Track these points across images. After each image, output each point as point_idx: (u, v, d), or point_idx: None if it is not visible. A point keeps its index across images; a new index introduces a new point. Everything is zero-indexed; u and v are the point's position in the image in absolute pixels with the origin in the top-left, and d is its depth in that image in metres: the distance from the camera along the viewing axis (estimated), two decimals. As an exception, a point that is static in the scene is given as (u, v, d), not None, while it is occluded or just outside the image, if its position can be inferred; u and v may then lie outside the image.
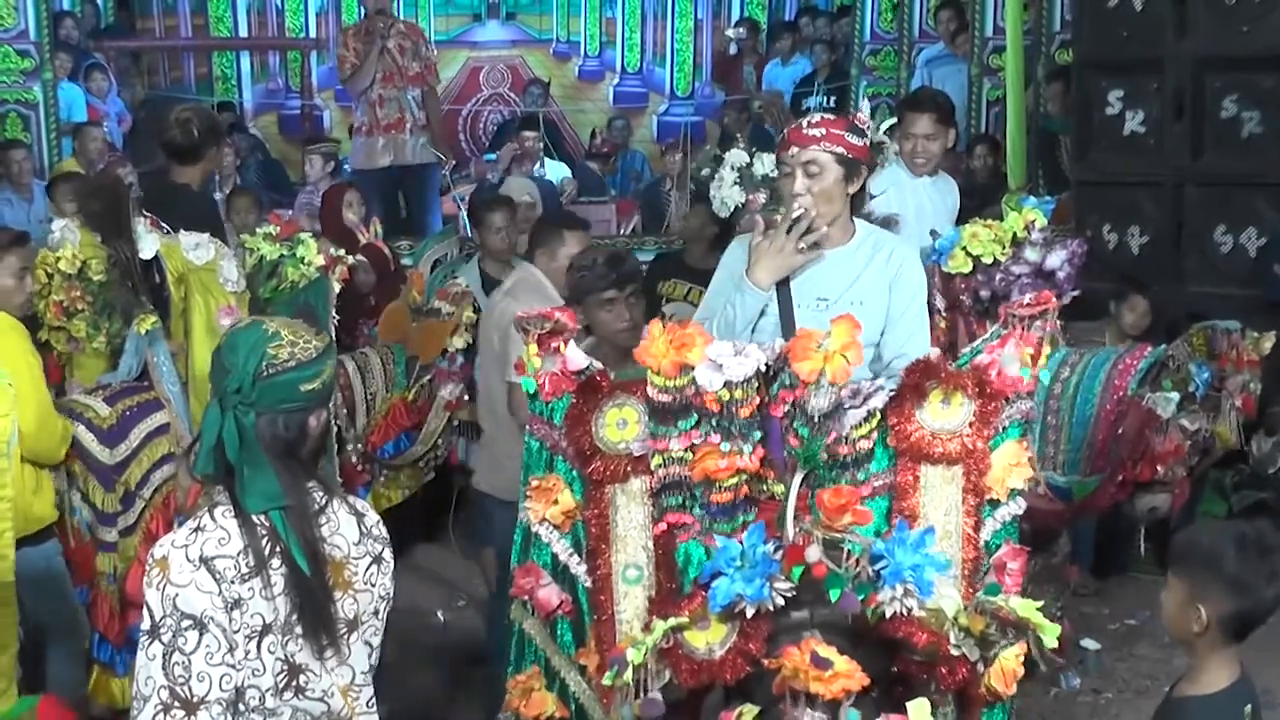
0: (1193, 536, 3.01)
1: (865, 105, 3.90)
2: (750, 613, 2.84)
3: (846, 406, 2.96)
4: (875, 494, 3.06)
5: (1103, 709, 5.15)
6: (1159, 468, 4.75)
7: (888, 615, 2.81)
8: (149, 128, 10.27)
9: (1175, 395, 4.77)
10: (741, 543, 2.84)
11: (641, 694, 2.84)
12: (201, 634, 2.38)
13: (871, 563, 2.84)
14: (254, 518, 2.46)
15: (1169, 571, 2.93)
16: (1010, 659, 2.85)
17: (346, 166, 9.83)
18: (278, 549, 2.46)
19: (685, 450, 2.98)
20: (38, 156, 9.10)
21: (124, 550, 4.55)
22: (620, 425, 3.05)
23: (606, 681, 2.92)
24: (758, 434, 2.96)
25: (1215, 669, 2.84)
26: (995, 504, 3.11)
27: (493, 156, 9.44)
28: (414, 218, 8.76)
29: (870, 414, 3.00)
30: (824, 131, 3.66)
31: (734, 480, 2.93)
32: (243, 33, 12.84)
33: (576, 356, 3.11)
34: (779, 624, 2.88)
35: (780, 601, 2.85)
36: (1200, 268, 7.04)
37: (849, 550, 2.80)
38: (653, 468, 3.01)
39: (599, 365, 3.16)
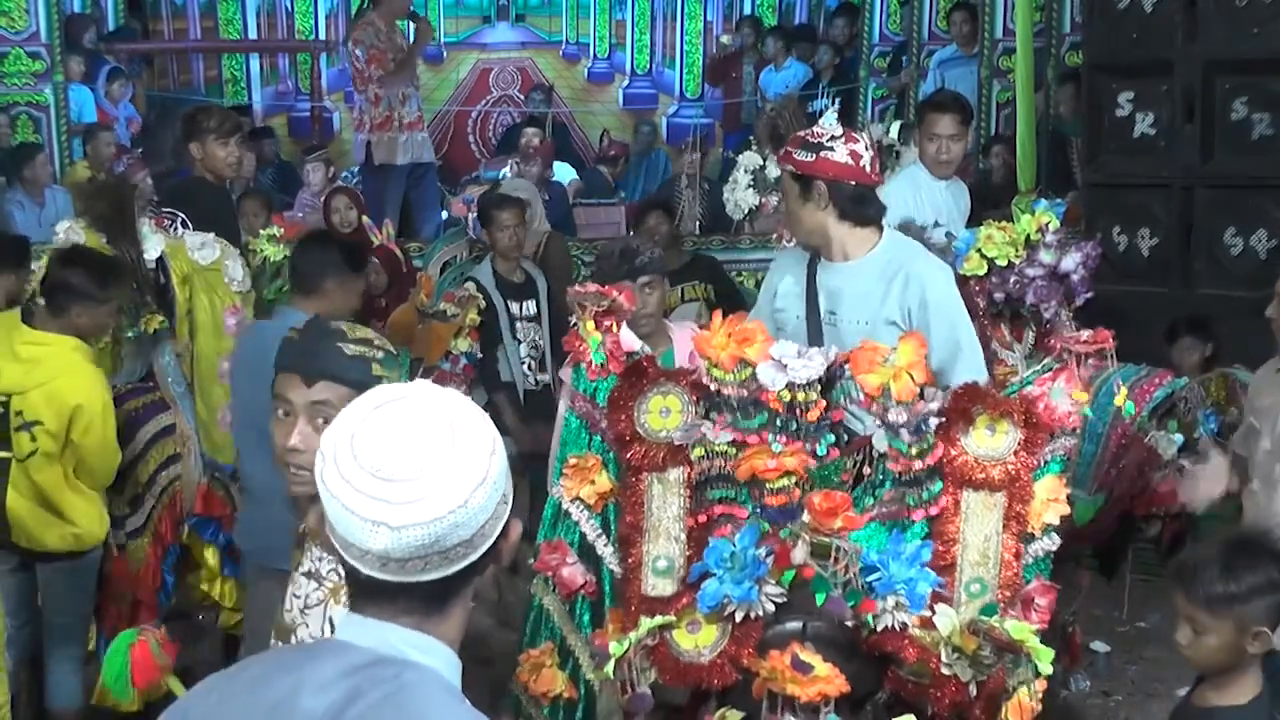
0: (1217, 580, 2.81)
1: (832, 115, 3.84)
2: (739, 616, 2.83)
3: (915, 424, 2.95)
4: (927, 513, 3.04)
5: (1112, 711, 5.14)
6: (1155, 506, 4.73)
7: (878, 629, 2.81)
8: (159, 130, 10.30)
9: (1179, 438, 4.73)
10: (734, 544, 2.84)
11: (629, 689, 2.84)
12: None
13: (865, 574, 2.83)
14: None
15: (1203, 616, 2.79)
16: (1027, 694, 2.82)
17: (353, 167, 9.82)
18: None
19: (729, 445, 2.96)
20: (48, 159, 9.09)
21: (133, 552, 4.55)
22: (663, 413, 3.03)
23: (589, 676, 2.92)
24: (830, 437, 2.94)
25: (1247, 677, 2.82)
26: (1030, 538, 3.07)
27: (493, 174, 9.44)
28: (416, 216, 8.78)
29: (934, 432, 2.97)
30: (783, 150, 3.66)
31: (783, 482, 2.91)
32: (252, 35, 12.83)
33: (629, 338, 3.10)
34: (770, 633, 2.87)
35: (770, 607, 2.84)
36: (1210, 270, 7.00)
37: (838, 554, 2.80)
38: (694, 459, 2.99)
39: (649, 350, 3.15)
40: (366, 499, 1.54)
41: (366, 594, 1.61)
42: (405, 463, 1.54)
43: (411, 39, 8.71)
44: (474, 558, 1.60)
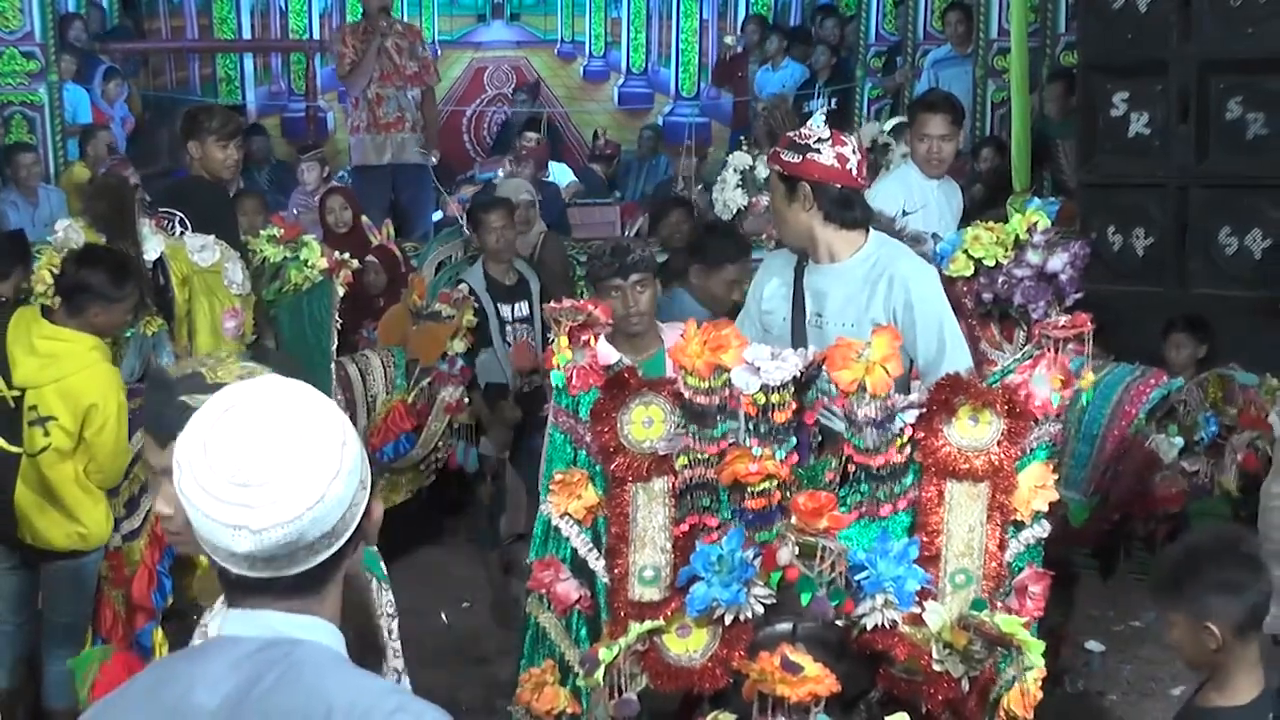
0: (1171, 572, 2.96)
1: (820, 117, 3.84)
2: (729, 619, 2.83)
3: (880, 419, 2.96)
4: (901, 508, 3.05)
5: (1107, 711, 5.14)
6: (1155, 508, 4.73)
7: (868, 628, 2.81)
8: (154, 129, 10.30)
9: (1179, 441, 4.74)
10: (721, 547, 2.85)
11: (616, 694, 2.84)
12: None
13: (853, 573, 2.84)
14: None
15: (1166, 612, 2.94)
16: (1030, 682, 2.84)
17: (347, 167, 9.83)
18: None
19: (713, 453, 2.98)
20: (43, 159, 9.09)
21: (129, 554, 4.55)
22: (646, 423, 3.05)
23: (580, 684, 2.92)
24: (793, 440, 2.95)
25: (1244, 678, 2.84)
26: (1020, 526, 3.09)
27: (488, 176, 9.44)
28: (405, 217, 8.77)
29: (901, 429, 2.99)
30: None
31: (765, 485, 2.92)
32: (246, 35, 12.83)
33: (606, 351, 3.11)
34: (761, 635, 2.87)
35: (759, 609, 2.85)
36: (1205, 270, 7.02)
37: (824, 554, 2.81)
38: (678, 468, 3.01)
39: (628, 361, 3.16)
40: (226, 505, 1.57)
41: (241, 590, 1.66)
42: (260, 467, 1.57)
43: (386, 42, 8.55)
44: (339, 545, 1.65)
